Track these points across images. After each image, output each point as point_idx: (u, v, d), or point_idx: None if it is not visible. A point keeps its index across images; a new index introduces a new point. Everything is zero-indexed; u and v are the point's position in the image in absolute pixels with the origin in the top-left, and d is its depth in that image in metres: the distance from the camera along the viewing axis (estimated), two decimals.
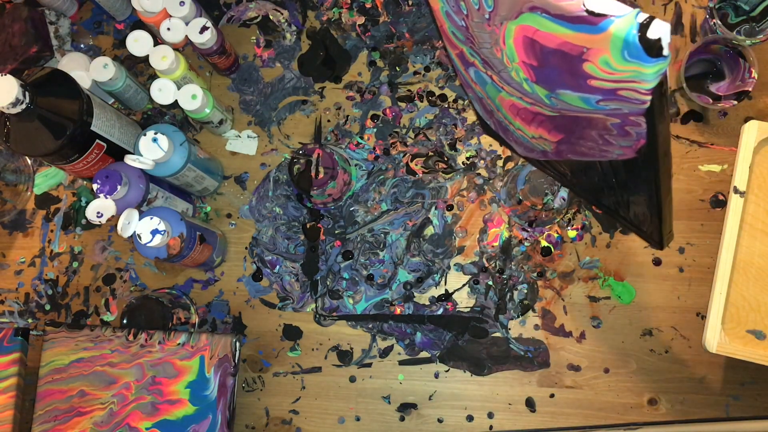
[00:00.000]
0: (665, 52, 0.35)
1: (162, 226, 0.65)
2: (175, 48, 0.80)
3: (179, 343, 0.71)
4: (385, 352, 0.75)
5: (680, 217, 0.74)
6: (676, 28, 0.78)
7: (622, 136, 0.50)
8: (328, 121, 0.81)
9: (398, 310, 0.75)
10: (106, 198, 0.67)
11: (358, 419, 0.74)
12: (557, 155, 0.66)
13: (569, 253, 0.75)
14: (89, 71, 0.74)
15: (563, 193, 0.69)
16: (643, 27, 0.35)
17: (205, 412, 0.69)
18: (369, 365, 0.75)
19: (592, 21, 0.37)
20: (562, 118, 0.54)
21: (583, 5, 0.37)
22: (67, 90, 0.65)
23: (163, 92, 0.73)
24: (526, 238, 0.75)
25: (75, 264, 0.80)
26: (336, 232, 0.78)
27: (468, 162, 0.78)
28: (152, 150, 0.67)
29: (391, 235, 0.77)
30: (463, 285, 0.75)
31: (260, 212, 0.79)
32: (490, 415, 0.72)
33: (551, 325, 0.73)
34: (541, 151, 0.68)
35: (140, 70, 0.85)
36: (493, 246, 0.76)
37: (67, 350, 0.71)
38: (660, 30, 0.35)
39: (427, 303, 0.75)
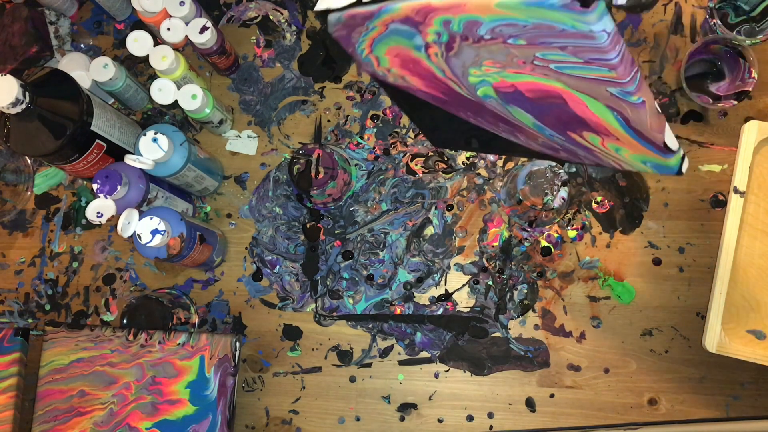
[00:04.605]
0: (685, 167, 0.48)
1: (162, 226, 0.65)
2: (175, 48, 0.80)
3: (179, 343, 0.71)
4: (385, 352, 0.75)
5: (680, 217, 0.74)
6: (676, 27, 0.78)
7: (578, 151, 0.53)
8: (328, 121, 0.81)
9: (398, 310, 0.75)
10: (106, 198, 0.67)
11: (358, 419, 0.74)
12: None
13: (569, 253, 0.75)
14: (89, 71, 0.74)
15: (563, 193, 0.69)
16: (683, 162, 0.48)
17: (205, 412, 0.69)
18: (369, 365, 0.75)
19: (663, 150, 0.46)
20: (506, 122, 0.53)
21: (665, 142, 0.45)
22: (67, 90, 0.65)
23: (163, 92, 0.73)
24: (526, 238, 0.75)
25: (75, 264, 0.80)
26: (336, 232, 0.78)
27: (468, 162, 0.78)
28: (152, 150, 0.67)
29: (391, 235, 0.77)
30: (463, 285, 0.75)
31: (260, 212, 0.79)
32: (490, 415, 0.72)
33: (551, 325, 0.73)
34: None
35: (140, 70, 0.85)
36: (493, 246, 0.76)
37: (67, 350, 0.71)
38: (685, 165, 0.48)
39: (427, 303, 0.75)
